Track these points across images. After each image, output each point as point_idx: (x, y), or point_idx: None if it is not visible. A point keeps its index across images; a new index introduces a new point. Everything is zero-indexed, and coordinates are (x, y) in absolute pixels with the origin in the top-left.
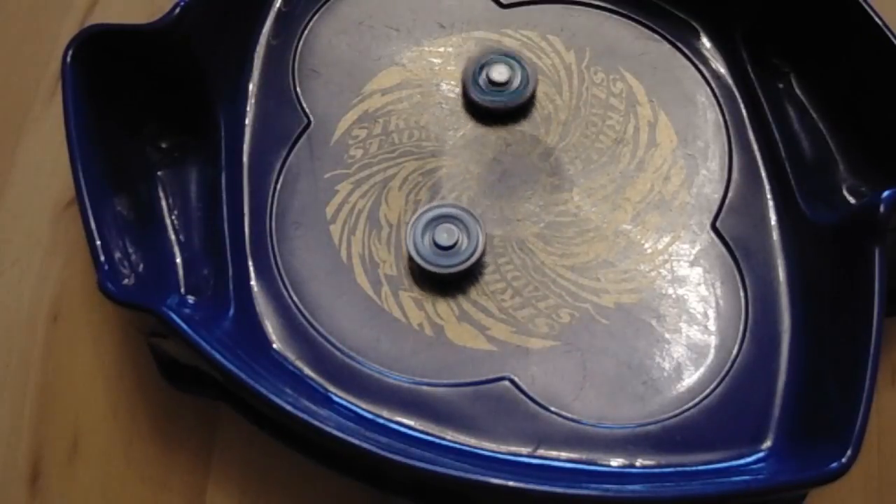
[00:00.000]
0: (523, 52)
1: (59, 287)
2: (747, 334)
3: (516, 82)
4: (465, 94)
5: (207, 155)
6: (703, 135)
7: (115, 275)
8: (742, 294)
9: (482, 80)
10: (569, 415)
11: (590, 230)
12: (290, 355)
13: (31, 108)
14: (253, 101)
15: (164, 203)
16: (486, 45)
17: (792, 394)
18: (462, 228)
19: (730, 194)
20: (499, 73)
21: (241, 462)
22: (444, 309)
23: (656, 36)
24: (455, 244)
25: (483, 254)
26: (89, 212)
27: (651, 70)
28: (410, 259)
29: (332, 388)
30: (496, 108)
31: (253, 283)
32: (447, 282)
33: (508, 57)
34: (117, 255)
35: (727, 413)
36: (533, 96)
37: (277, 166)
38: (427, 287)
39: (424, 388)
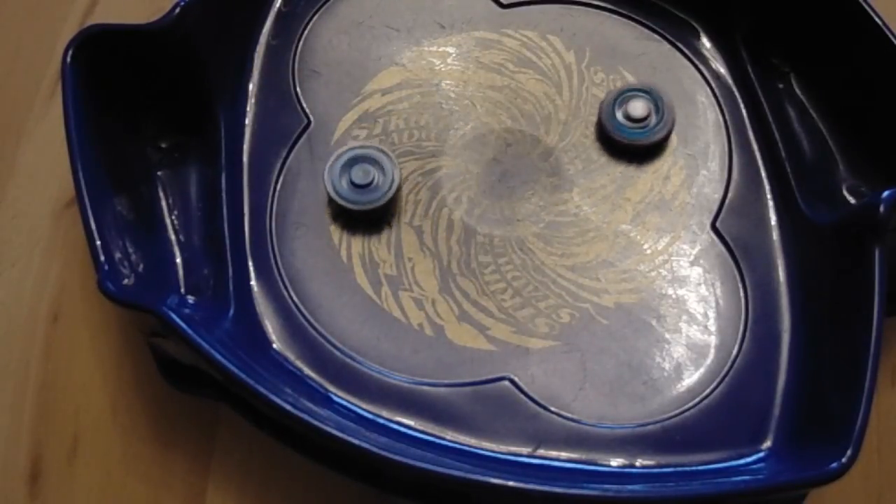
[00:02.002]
0: (523, 51)
1: (59, 287)
2: (747, 334)
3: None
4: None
5: (207, 155)
6: (703, 135)
7: (115, 275)
8: (742, 294)
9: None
10: (569, 415)
11: (590, 230)
12: (290, 355)
13: (31, 108)
14: (253, 101)
15: (164, 203)
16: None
17: (792, 394)
18: (378, 168)
19: (730, 194)
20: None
21: (241, 462)
22: (444, 309)
23: (656, 36)
24: (371, 182)
25: (398, 190)
26: (89, 212)
27: (651, 70)
28: (330, 200)
29: (332, 388)
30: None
31: (253, 283)
32: (363, 220)
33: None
34: (117, 255)
35: (727, 413)
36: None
37: (277, 166)
38: (427, 286)
39: (424, 388)
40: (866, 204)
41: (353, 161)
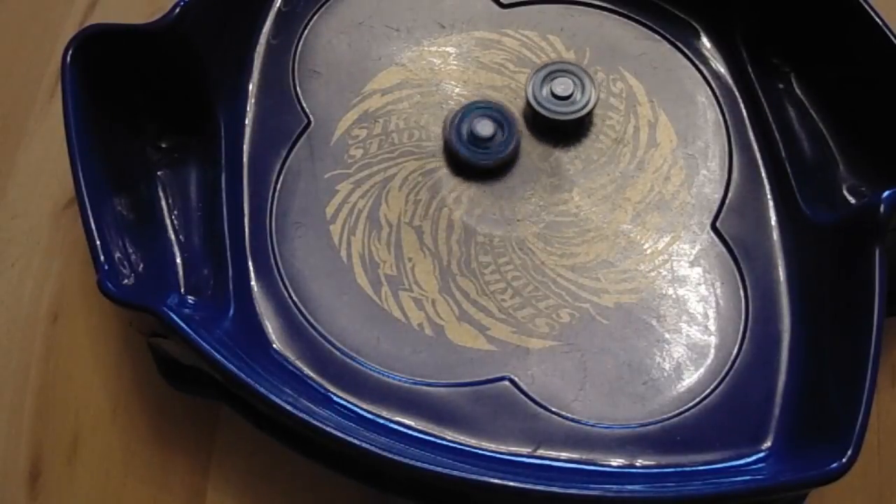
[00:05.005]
0: (523, 51)
1: (59, 287)
2: (747, 334)
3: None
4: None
5: (207, 155)
6: (703, 135)
7: (115, 275)
8: (742, 294)
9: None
10: (569, 415)
11: (590, 230)
12: (290, 355)
13: (31, 108)
14: (253, 101)
15: (164, 203)
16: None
17: (792, 394)
18: (577, 82)
19: (730, 194)
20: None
21: (241, 462)
22: (444, 309)
23: (656, 36)
24: (570, 95)
25: (594, 106)
26: (89, 212)
27: (651, 70)
28: (528, 106)
29: (332, 388)
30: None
31: (253, 283)
32: (562, 130)
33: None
34: (117, 255)
35: (727, 413)
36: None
37: (277, 166)
38: (427, 286)
39: (424, 388)
40: (866, 204)
41: (556, 74)
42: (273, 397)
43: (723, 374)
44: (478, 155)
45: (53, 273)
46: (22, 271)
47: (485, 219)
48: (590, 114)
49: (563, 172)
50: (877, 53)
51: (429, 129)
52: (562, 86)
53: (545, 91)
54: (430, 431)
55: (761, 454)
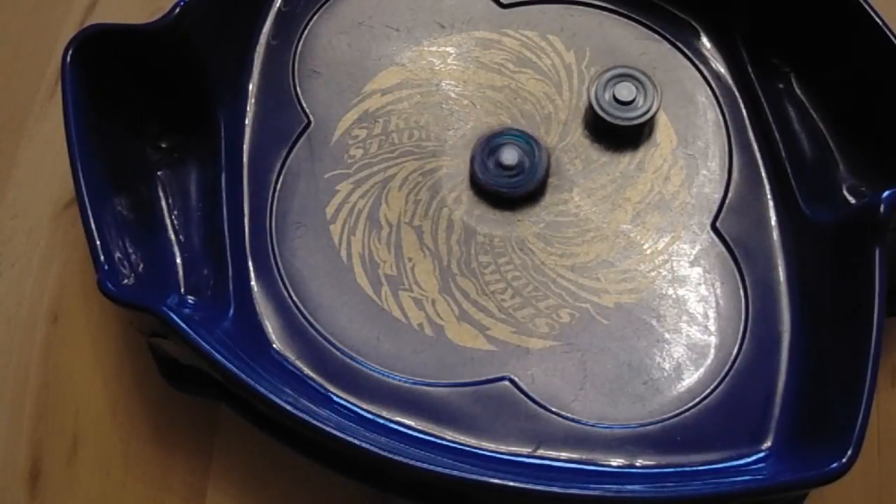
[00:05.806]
0: (523, 51)
1: (59, 287)
2: (747, 334)
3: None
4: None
5: (207, 155)
6: (703, 135)
7: (115, 275)
8: (742, 294)
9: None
10: (569, 415)
11: (590, 230)
12: (290, 355)
13: (31, 108)
14: (253, 101)
15: (164, 203)
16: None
17: (792, 394)
18: (640, 88)
19: (730, 194)
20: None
21: (241, 462)
22: (444, 309)
23: (656, 36)
24: (633, 101)
25: (656, 112)
26: (89, 212)
27: (651, 70)
28: (589, 110)
29: (332, 388)
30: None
31: (253, 283)
32: (621, 134)
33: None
34: (117, 255)
35: (727, 413)
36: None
37: (277, 166)
38: (427, 286)
39: (424, 388)
40: (866, 204)
41: (620, 77)
42: (273, 397)
43: (723, 374)
44: (508, 184)
45: (53, 273)
46: (22, 271)
47: (485, 219)
48: (651, 119)
49: (563, 172)
50: (877, 54)
51: (429, 129)
52: (625, 90)
53: (608, 95)
54: (430, 431)
55: (761, 454)
